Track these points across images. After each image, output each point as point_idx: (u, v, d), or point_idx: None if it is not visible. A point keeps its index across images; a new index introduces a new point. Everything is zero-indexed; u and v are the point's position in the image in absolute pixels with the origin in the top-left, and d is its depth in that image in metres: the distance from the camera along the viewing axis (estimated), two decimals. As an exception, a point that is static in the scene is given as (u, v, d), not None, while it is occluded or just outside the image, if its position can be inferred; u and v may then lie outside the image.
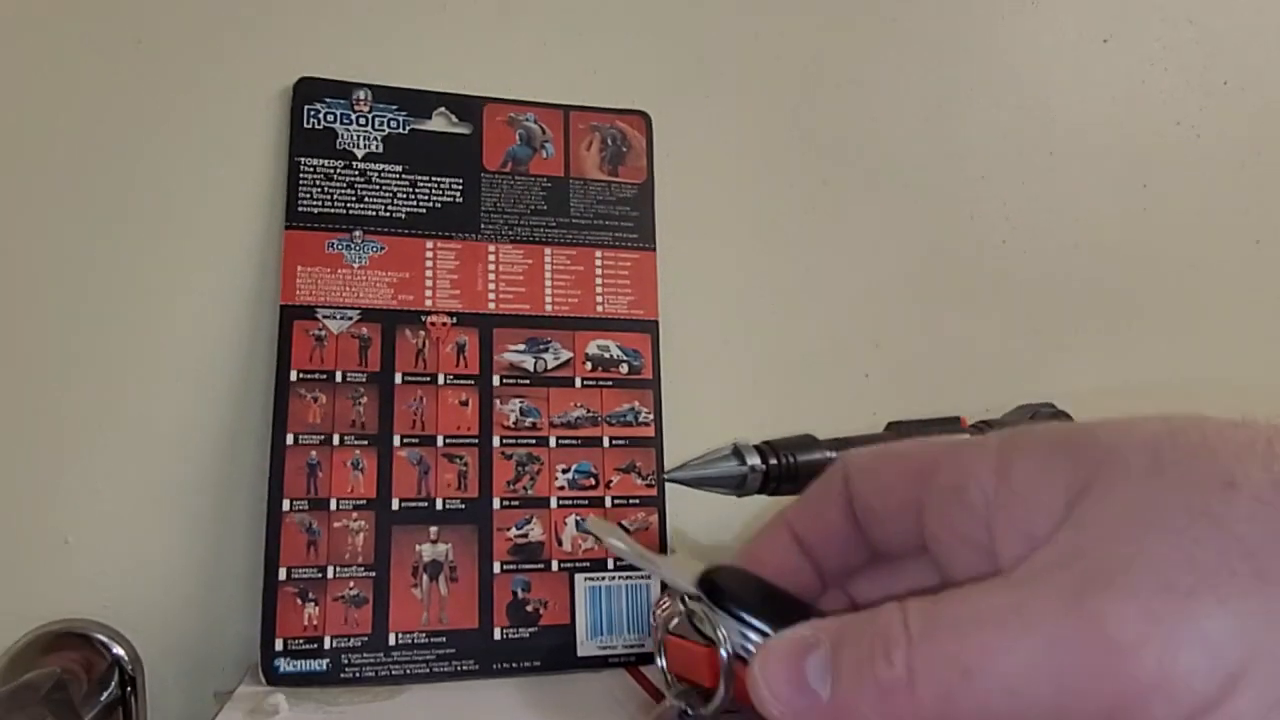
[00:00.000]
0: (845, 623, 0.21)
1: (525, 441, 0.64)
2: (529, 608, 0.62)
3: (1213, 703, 0.17)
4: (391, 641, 0.59)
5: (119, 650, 0.59)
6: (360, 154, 0.66)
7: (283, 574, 0.58)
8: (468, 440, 0.63)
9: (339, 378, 0.62)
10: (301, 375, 0.61)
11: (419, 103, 0.68)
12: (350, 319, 0.63)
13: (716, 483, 0.44)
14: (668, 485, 0.65)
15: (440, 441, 0.63)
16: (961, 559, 0.23)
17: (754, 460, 0.43)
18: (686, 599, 0.28)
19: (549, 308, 0.67)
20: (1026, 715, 0.18)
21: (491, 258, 0.66)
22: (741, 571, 0.27)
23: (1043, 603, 0.19)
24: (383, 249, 0.65)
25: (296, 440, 0.60)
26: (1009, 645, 0.18)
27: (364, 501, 0.60)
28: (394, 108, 0.67)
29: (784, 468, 0.44)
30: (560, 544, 0.63)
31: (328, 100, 0.66)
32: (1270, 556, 0.17)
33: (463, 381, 0.64)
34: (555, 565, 0.63)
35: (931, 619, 0.19)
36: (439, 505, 0.61)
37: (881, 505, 0.25)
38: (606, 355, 0.67)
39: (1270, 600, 0.17)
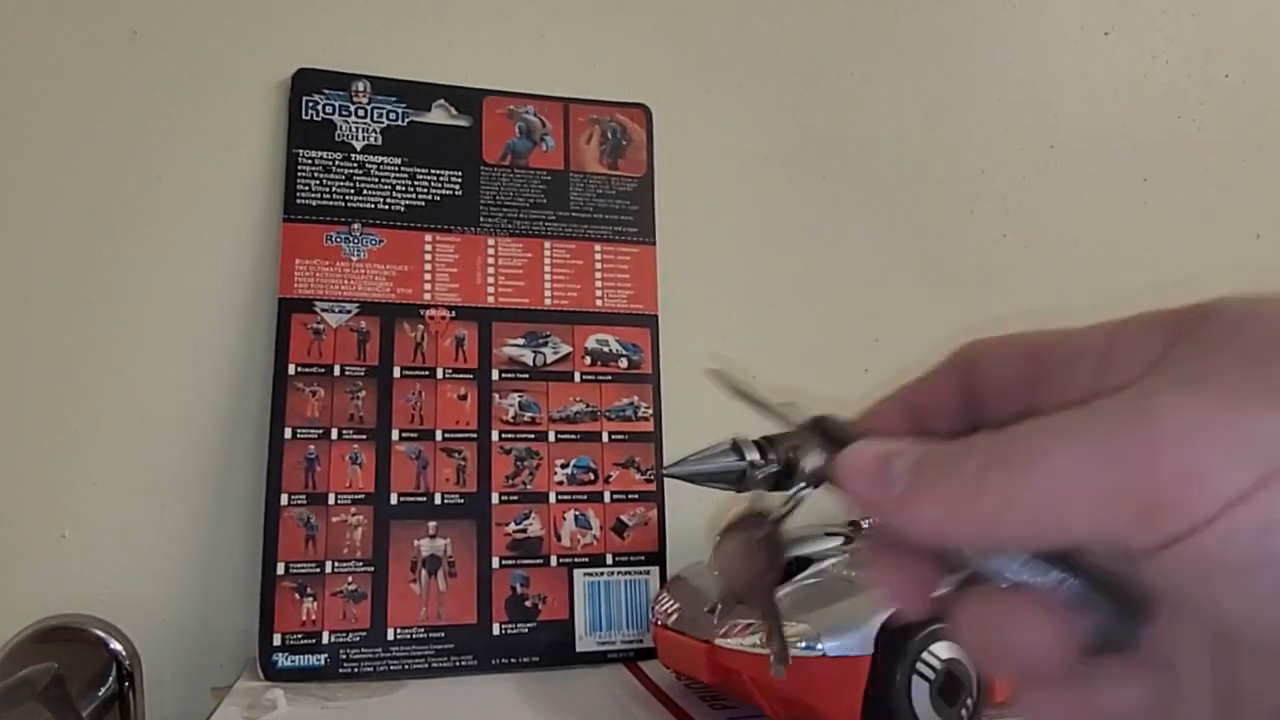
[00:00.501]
0: (941, 444, 0.23)
1: (524, 436, 0.64)
2: (528, 603, 0.62)
3: (1244, 495, 0.18)
4: (390, 636, 0.59)
5: (116, 645, 0.59)
6: (359, 146, 0.65)
7: (281, 569, 0.58)
8: (466, 435, 0.63)
9: (337, 371, 0.62)
10: (300, 369, 0.61)
11: (418, 95, 0.67)
12: (349, 312, 0.63)
13: (715, 478, 0.44)
14: (667, 480, 0.65)
15: (439, 436, 0.62)
16: None
17: (753, 455, 0.43)
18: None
19: (548, 301, 0.66)
20: (1080, 508, 0.19)
21: (491, 251, 0.66)
22: (854, 423, 0.29)
23: (1105, 408, 0.20)
24: (381, 242, 0.64)
25: (294, 434, 0.60)
26: (1066, 440, 0.20)
27: (362, 496, 0.60)
28: (393, 100, 0.66)
29: (784, 463, 0.44)
30: (559, 539, 0.63)
31: (326, 92, 0.66)
32: None
33: (461, 375, 0.64)
34: (554, 560, 0.62)
35: (1005, 432, 0.21)
36: (437, 500, 0.61)
37: (997, 382, 0.26)
38: (606, 349, 0.67)
39: None
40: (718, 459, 0.45)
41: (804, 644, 0.43)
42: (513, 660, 0.60)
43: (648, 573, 0.64)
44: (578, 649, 0.62)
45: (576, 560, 0.63)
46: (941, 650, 0.44)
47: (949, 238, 0.81)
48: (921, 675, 0.43)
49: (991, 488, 0.20)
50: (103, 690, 0.57)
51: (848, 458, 0.25)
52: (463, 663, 0.60)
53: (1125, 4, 0.87)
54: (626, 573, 0.64)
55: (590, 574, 0.63)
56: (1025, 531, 0.20)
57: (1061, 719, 0.22)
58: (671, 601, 0.53)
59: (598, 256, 0.68)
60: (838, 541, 0.53)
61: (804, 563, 0.51)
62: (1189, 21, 0.89)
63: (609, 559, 0.64)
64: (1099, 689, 0.22)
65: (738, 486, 0.45)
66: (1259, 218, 0.88)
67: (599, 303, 0.67)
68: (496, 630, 0.61)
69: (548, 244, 0.67)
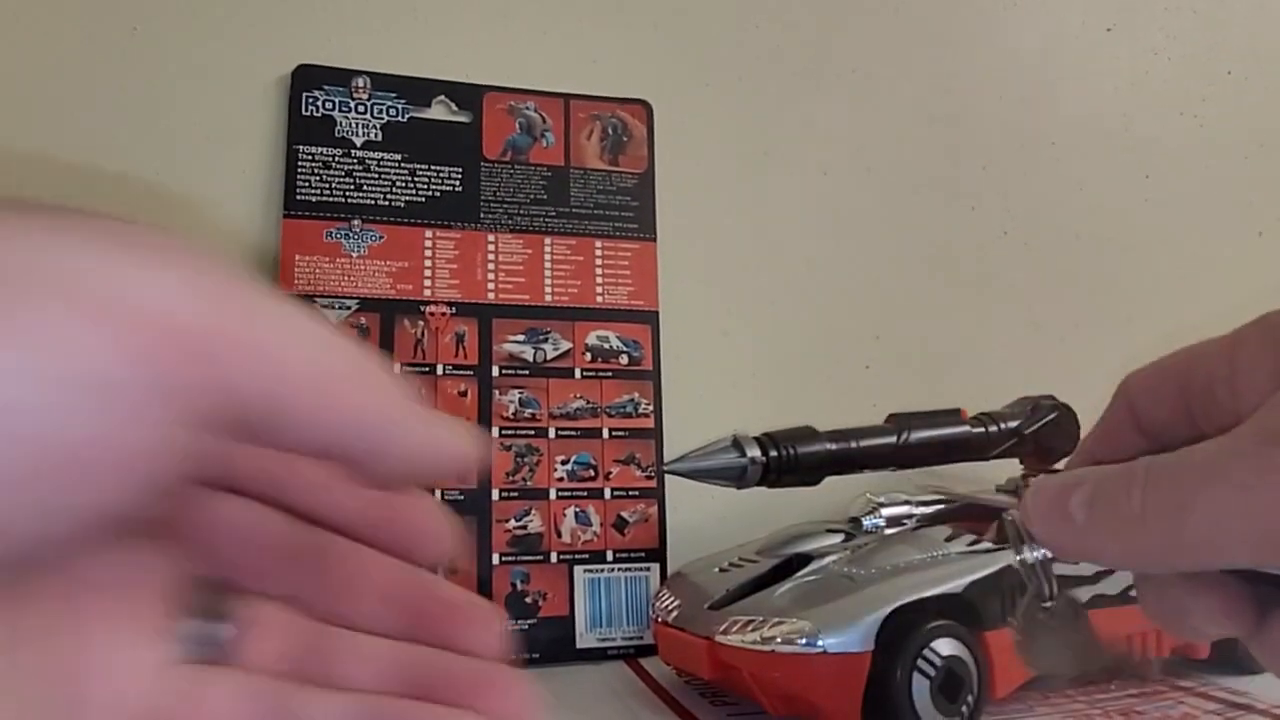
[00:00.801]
0: (1108, 469, 0.25)
1: (524, 432, 0.64)
2: (528, 599, 0.61)
3: None
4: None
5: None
6: (359, 142, 0.65)
7: (281, 565, 0.58)
8: (467, 431, 0.63)
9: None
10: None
11: (418, 91, 0.67)
12: (349, 308, 0.63)
13: (716, 475, 0.44)
14: (667, 477, 0.65)
15: (439, 432, 0.62)
16: None
17: (754, 452, 0.43)
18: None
19: (548, 298, 0.66)
20: (1239, 545, 0.21)
21: (491, 247, 0.66)
22: None
23: (1237, 452, 0.22)
24: (381, 238, 0.64)
25: (294, 431, 0.60)
26: (1210, 487, 0.21)
27: (362, 492, 0.60)
28: (393, 95, 0.66)
29: (784, 460, 0.43)
30: (559, 535, 0.63)
31: (326, 88, 0.66)
32: None
33: (462, 372, 0.64)
34: (554, 557, 0.62)
35: (1161, 467, 0.23)
36: (437, 496, 0.61)
37: (1162, 418, 0.28)
38: (606, 346, 0.67)
39: None
40: (719, 455, 0.45)
41: (804, 640, 0.43)
42: (513, 657, 0.60)
43: (648, 569, 0.64)
44: (578, 645, 0.62)
45: (577, 557, 0.63)
46: (942, 647, 0.44)
47: (950, 234, 0.81)
48: (922, 672, 0.43)
49: (1155, 527, 0.23)
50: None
51: (1030, 501, 0.27)
52: (463, 659, 0.60)
53: (1127, 1, 0.87)
54: (627, 569, 0.64)
55: (590, 570, 0.63)
56: (1195, 561, 0.23)
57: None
58: (672, 598, 0.53)
59: (598, 253, 0.68)
60: (838, 538, 0.53)
61: (804, 560, 0.51)
62: (1191, 18, 0.88)
63: (609, 555, 0.64)
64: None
65: (738, 483, 0.45)
66: (1261, 215, 0.88)
67: (599, 299, 0.67)
68: (497, 627, 0.60)
69: (548, 240, 0.67)
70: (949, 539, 0.50)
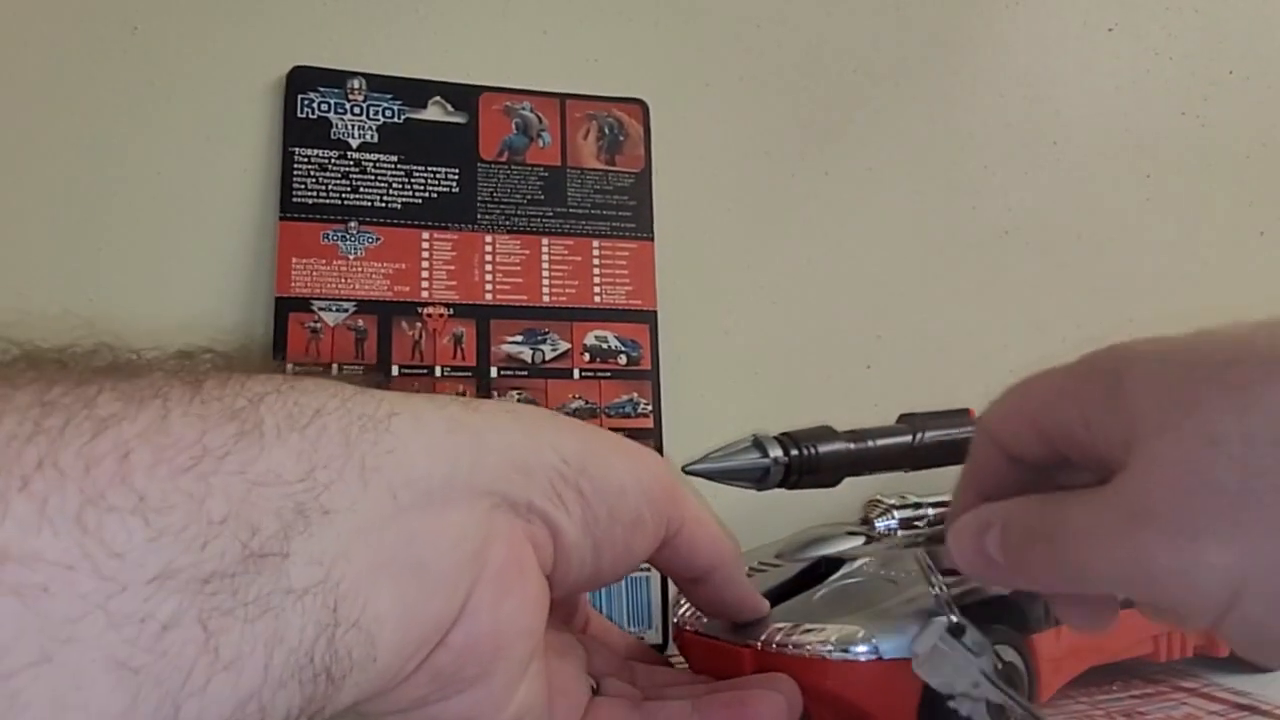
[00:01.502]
0: (1009, 515, 0.29)
1: (522, 434, 0.63)
2: (526, 602, 0.61)
3: (1226, 607, 0.24)
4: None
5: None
6: (355, 144, 0.65)
7: (277, 568, 0.58)
8: (464, 433, 0.62)
9: (335, 370, 0.61)
10: (297, 368, 0.61)
11: (414, 92, 0.67)
12: (346, 311, 0.62)
13: (739, 475, 0.43)
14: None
15: (436, 434, 0.62)
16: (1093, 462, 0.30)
17: (776, 452, 0.42)
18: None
19: (546, 298, 0.66)
20: (1125, 589, 0.27)
21: (488, 248, 0.66)
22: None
23: (1106, 527, 0.26)
24: (378, 240, 0.64)
25: (291, 433, 0.60)
26: (1091, 552, 0.26)
27: (359, 495, 0.60)
28: (389, 97, 0.66)
29: (806, 460, 0.43)
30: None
31: (322, 89, 0.65)
32: (1245, 503, 0.23)
33: (460, 373, 0.63)
34: (553, 559, 0.62)
35: (1053, 524, 0.28)
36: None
37: (1030, 453, 0.31)
38: (604, 346, 0.66)
39: (1255, 534, 0.23)
40: (740, 456, 0.44)
41: (861, 646, 0.40)
42: None
43: (649, 571, 0.64)
44: (577, 648, 0.61)
45: (575, 559, 0.63)
46: (1002, 652, 0.43)
47: (951, 234, 0.80)
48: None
49: (1056, 575, 0.28)
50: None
51: (954, 548, 0.32)
52: (461, 662, 0.59)
53: (1128, 0, 0.87)
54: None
55: (589, 573, 0.63)
56: (1104, 588, 0.29)
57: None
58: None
59: (595, 253, 0.68)
60: (860, 541, 0.52)
61: (834, 563, 0.49)
62: (1193, 17, 0.88)
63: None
64: None
65: (760, 484, 0.44)
66: (1263, 214, 0.88)
67: (597, 299, 0.67)
68: (495, 629, 0.60)
69: (545, 241, 0.67)
70: None
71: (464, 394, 0.63)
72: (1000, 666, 0.42)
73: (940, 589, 0.39)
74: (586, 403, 0.65)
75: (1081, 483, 0.29)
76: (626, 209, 0.69)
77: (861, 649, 0.41)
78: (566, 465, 0.30)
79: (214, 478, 0.22)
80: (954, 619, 0.38)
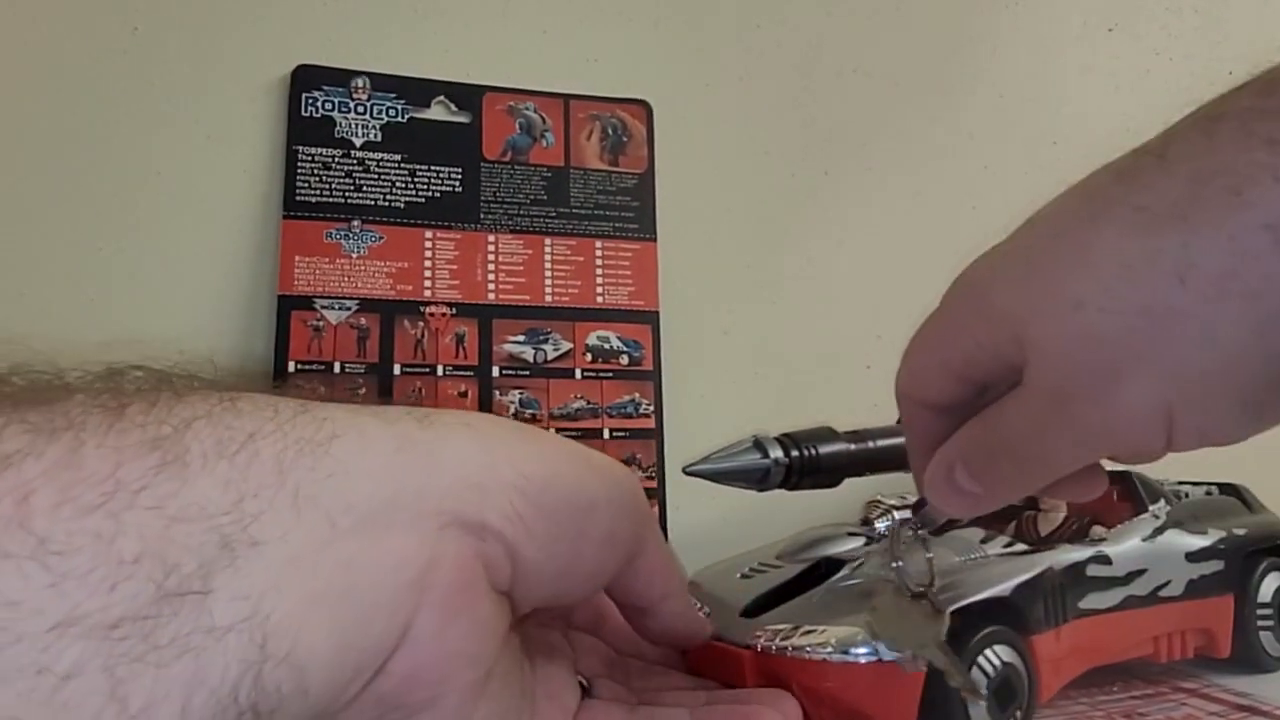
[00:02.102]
0: (961, 442, 0.31)
1: (525, 433, 0.64)
2: (528, 601, 0.61)
3: (1170, 427, 0.27)
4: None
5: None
6: (359, 143, 0.65)
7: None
8: (467, 432, 0.63)
9: (337, 369, 0.61)
10: (300, 366, 0.61)
11: (418, 91, 0.67)
12: (349, 309, 0.62)
13: (739, 476, 0.43)
14: (668, 478, 0.65)
15: (439, 433, 0.62)
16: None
17: (777, 453, 0.42)
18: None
19: (549, 298, 0.66)
20: (1074, 463, 0.29)
21: (491, 248, 0.66)
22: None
23: (1043, 415, 0.28)
24: (381, 239, 0.64)
25: (294, 432, 0.60)
26: (1042, 444, 0.29)
27: (362, 494, 0.60)
28: (393, 96, 0.66)
29: (806, 461, 0.43)
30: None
31: (326, 88, 0.65)
32: (1131, 340, 0.26)
33: (462, 372, 0.64)
34: (555, 558, 0.62)
35: (1008, 437, 0.30)
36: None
37: (952, 397, 0.33)
38: (606, 346, 0.66)
39: (1154, 358, 0.26)
40: (741, 456, 0.44)
41: (862, 648, 0.40)
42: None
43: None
44: (578, 647, 0.62)
45: (577, 558, 0.63)
46: (999, 653, 0.43)
47: (951, 234, 0.80)
48: (983, 672, 0.42)
49: (1026, 478, 0.30)
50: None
51: (935, 501, 0.33)
52: (463, 661, 0.59)
53: (1128, 1, 0.87)
54: (627, 571, 0.63)
55: (591, 572, 0.63)
56: (1072, 465, 0.29)
57: None
58: (696, 605, 0.51)
59: (598, 253, 0.68)
60: (860, 542, 0.52)
61: (834, 564, 0.49)
62: (1192, 18, 0.88)
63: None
64: None
65: (760, 485, 0.44)
66: (1262, 214, 0.88)
67: (600, 299, 0.67)
68: (497, 628, 0.60)
69: (548, 241, 0.67)
70: (984, 540, 0.48)
71: (465, 394, 0.63)
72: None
73: (900, 562, 0.41)
74: (588, 403, 0.65)
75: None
76: (629, 210, 0.69)
77: (861, 650, 0.41)
78: (527, 481, 0.29)
79: (127, 514, 0.21)
80: (911, 588, 0.40)
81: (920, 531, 0.43)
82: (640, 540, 0.34)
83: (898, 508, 0.57)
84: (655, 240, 0.69)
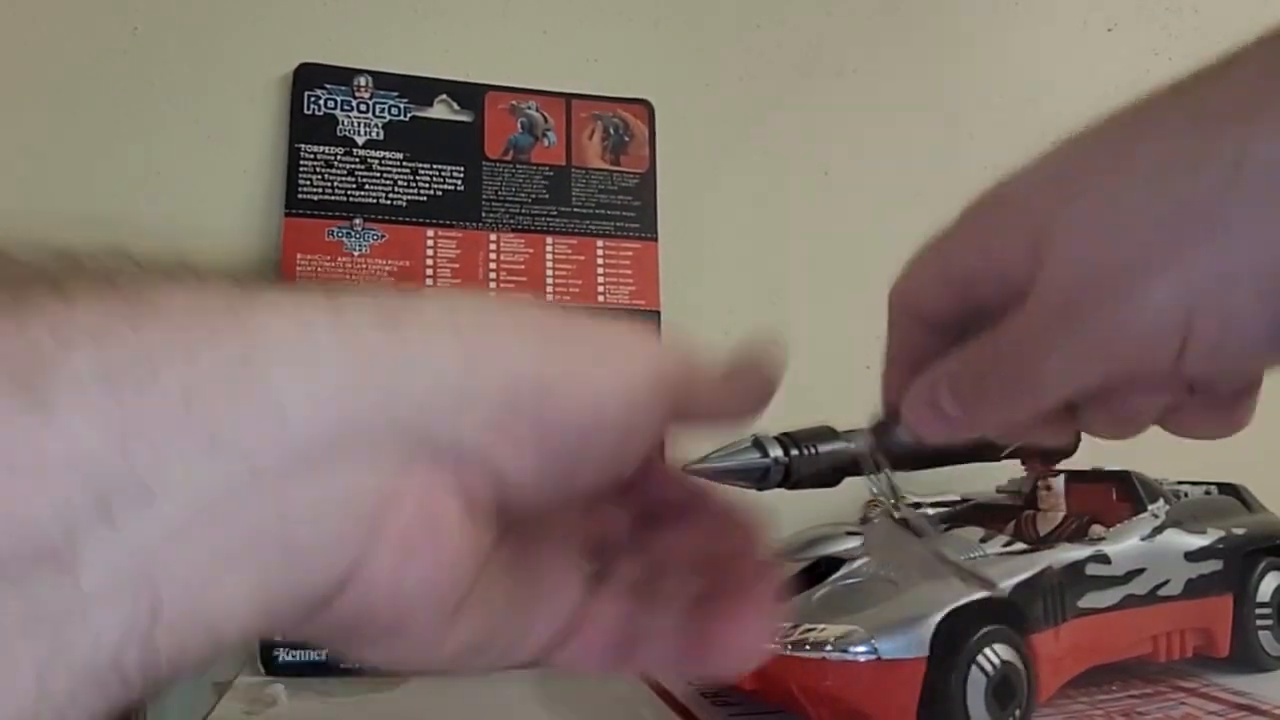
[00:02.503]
0: (951, 364, 0.30)
1: (526, 432, 0.64)
2: (529, 599, 0.61)
3: (1185, 332, 0.25)
4: (391, 632, 0.59)
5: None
6: (361, 141, 0.65)
7: (282, 564, 0.58)
8: (468, 430, 0.63)
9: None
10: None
11: (420, 90, 0.67)
12: (350, 308, 0.62)
13: (739, 475, 0.43)
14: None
15: (440, 431, 0.62)
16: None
17: (776, 452, 0.42)
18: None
19: (550, 297, 0.66)
20: (1061, 391, 0.28)
21: (492, 246, 0.66)
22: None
23: (1053, 319, 0.27)
24: (383, 237, 0.64)
25: (296, 430, 0.60)
26: (1043, 356, 0.27)
27: (364, 492, 0.60)
28: (395, 95, 0.66)
29: (806, 459, 0.43)
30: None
31: (328, 87, 0.65)
32: (1161, 237, 0.24)
33: (463, 371, 0.64)
34: (556, 556, 0.62)
35: (1001, 353, 0.28)
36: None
37: (947, 314, 0.32)
38: (608, 346, 0.66)
39: (1183, 256, 0.24)
40: (740, 456, 0.44)
41: (860, 647, 0.41)
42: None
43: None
44: (579, 645, 0.62)
45: (578, 556, 0.63)
46: (998, 652, 0.43)
47: (951, 234, 0.80)
48: (978, 678, 0.42)
49: (1011, 402, 0.29)
50: (103, 685, 0.57)
51: (910, 413, 0.32)
52: (464, 659, 0.59)
53: (1128, 1, 0.87)
54: (628, 569, 0.64)
55: (592, 570, 0.63)
56: (1066, 388, 0.28)
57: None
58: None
59: (599, 252, 0.68)
60: (859, 540, 0.53)
61: (834, 563, 0.49)
62: (1192, 18, 0.88)
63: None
64: None
65: (759, 484, 0.44)
66: (1262, 215, 0.88)
67: (601, 299, 0.67)
68: (498, 626, 0.60)
69: (549, 240, 0.67)
70: (983, 540, 0.48)
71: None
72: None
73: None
74: (589, 401, 0.65)
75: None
76: (630, 209, 0.69)
77: (861, 649, 0.41)
78: (518, 385, 0.24)
79: None
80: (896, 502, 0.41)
81: (877, 454, 0.42)
82: (654, 445, 0.29)
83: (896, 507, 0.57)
84: (656, 240, 0.69)
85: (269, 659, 0.57)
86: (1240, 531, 0.55)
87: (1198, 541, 0.53)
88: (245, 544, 0.20)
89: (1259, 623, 0.54)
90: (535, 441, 0.24)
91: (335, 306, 0.22)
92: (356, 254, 0.63)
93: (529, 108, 0.69)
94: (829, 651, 0.41)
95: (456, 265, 0.65)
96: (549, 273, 0.66)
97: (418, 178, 0.66)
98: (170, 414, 0.19)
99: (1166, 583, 0.50)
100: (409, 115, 0.66)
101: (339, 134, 0.65)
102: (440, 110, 0.67)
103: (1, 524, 0.18)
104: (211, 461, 0.19)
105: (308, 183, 0.64)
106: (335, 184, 0.64)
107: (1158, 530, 0.52)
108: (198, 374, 0.19)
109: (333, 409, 0.21)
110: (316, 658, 0.57)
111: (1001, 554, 0.47)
